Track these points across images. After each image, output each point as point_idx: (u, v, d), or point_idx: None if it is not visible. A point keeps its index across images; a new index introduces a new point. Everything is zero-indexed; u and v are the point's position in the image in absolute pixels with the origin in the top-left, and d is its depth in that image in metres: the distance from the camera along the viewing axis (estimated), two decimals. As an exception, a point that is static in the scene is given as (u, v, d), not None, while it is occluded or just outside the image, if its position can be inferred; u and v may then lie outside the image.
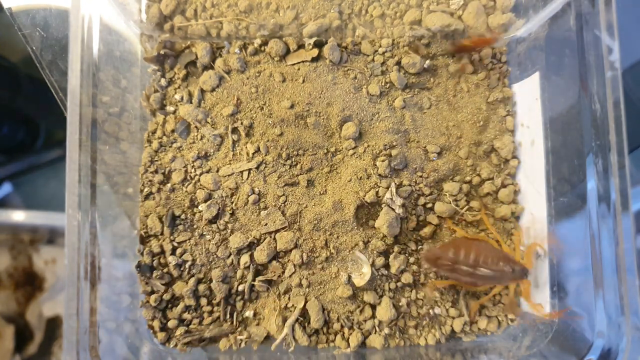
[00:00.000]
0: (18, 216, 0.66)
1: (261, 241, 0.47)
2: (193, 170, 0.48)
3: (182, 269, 0.47)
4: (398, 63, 0.49)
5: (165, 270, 0.46)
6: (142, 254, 0.46)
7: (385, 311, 0.46)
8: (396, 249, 0.48)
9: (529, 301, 0.45)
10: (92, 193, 0.41)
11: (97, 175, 0.42)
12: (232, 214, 0.47)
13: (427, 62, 0.50)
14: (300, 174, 0.48)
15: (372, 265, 0.47)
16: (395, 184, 0.48)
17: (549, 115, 0.47)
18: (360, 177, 0.48)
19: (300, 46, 0.49)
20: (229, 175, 0.47)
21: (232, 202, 0.47)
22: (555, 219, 0.46)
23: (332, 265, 0.47)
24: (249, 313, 0.47)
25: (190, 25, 0.48)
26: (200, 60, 0.49)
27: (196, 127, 0.48)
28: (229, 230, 0.47)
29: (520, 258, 0.46)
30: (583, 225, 0.42)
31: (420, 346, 0.47)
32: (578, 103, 0.42)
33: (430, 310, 0.48)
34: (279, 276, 0.47)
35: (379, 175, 0.48)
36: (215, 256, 0.47)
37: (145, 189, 0.47)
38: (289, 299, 0.47)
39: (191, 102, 0.49)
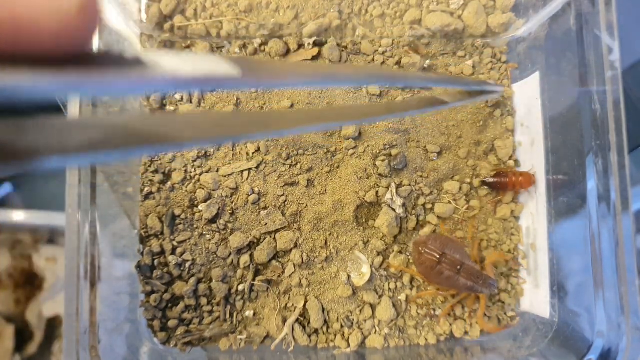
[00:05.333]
0: (18, 216, 0.66)
1: (261, 241, 0.47)
2: (193, 170, 0.48)
3: (182, 268, 0.47)
4: (398, 63, 0.49)
5: (165, 270, 0.46)
6: (142, 253, 0.46)
7: (385, 311, 0.46)
8: (396, 248, 0.48)
9: (481, 317, 0.46)
10: (92, 193, 0.41)
11: (97, 175, 0.42)
12: (232, 214, 0.47)
13: (427, 62, 0.50)
14: (300, 174, 0.48)
15: (372, 265, 0.47)
16: (395, 183, 0.48)
17: (549, 115, 0.47)
18: (360, 177, 0.48)
19: (300, 46, 0.49)
20: (229, 175, 0.47)
21: (232, 202, 0.47)
22: (555, 219, 0.46)
23: (332, 265, 0.47)
24: (249, 313, 0.47)
25: (190, 25, 0.48)
26: (200, 60, 0.49)
27: (196, 127, 0.48)
28: (229, 230, 0.47)
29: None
30: (583, 225, 0.42)
31: (420, 346, 0.47)
32: (578, 103, 0.42)
33: (431, 310, 0.48)
34: (279, 276, 0.47)
35: (379, 175, 0.48)
36: (215, 256, 0.47)
37: (146, 189, 0.47)
38: (289, 298, 0.47)
39: (191, 102, 0.49)
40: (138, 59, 0.14)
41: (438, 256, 0.44)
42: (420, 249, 0.45)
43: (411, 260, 0.48)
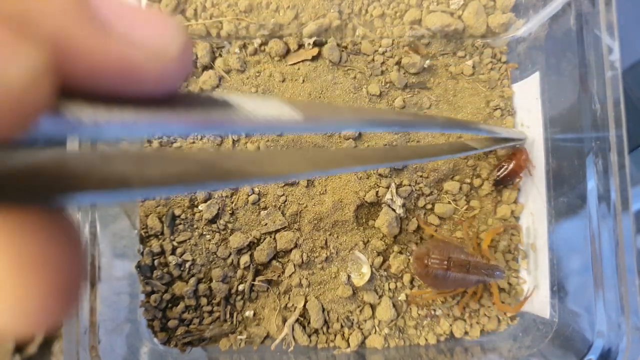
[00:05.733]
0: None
1: (261, 241, 0.47)
2: (193, 170, 0.48)
3: (182, 268, 0.47)
4: (398, 63, 0.49)
5: (165, 270, 0.46)
6: (142, 253, 0.46)
7: (385, 311, 0.46)
8: (396, 248, 0.48)
9: (499, 302, 0.46)
10: (92, 193, 0.41)
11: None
12: (232, 214, 0.47)
13: (427, 62, 0.50)
14: (300, 174, 0.48)
15: (372, 265, 0.47)
16: (395, 183, 0.48)
17: (549, 115, 0.47)
18: (360, 177, 0.48)
19: (300, 46, 0.49)
20: (229, 175, 0.47)
21: (232, 202, 0.47)
22: (555, 219, 0.46)
23: (332, 265, 0.47)
24: (249, 313, 0.47)
25: (190, 25, 0.48)
26: (200, 60, 0.49)
27: (196, 127, 0.48)
28: (229, 230, 0.47)
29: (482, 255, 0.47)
30: (583, 225, 0.42)
31: (420, 346, 0.47)
32: (578, 103, 0.42)
33: (431, 311, 0.48)
34: (279, 276, 0.47)
35: (379, 175, 0.48)
36: (215, 256, 0.47)
37: (145, 189, 0.47)
38: (289, 298, 0.47)
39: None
40: (215, 100, 0.15)
41: (446, 262, 0.44)
42: (425, 261, 0.44)
43: (411, 261, 0.48)
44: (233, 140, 0.48)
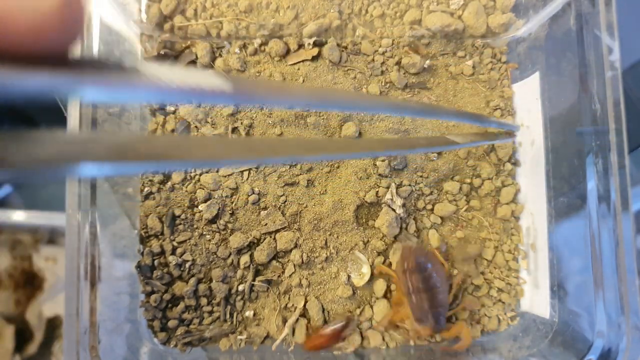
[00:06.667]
0: (18, 216, 0.66)
1: (261, 241, 0.47)
2: (193, 170, 0.48)
3: (182, 268, 0.47)
4: (398, 63, 0.49)
5: (165, 270, 0.46)
6: (142, 253, 0.46)
7: (384, 311, 0.46)
8: (396, 248, 0.48)
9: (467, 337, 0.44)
10: (92, 193, 0.41)
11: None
12: (232, 214, 0.47)
13: (427, 62, 0.50)
14: (300, 174, 0.48)
15: (372, 265, 0.47)
16: (395, 184, 0.48)
17: (549, 115, 0.47)
18: (360, 177, 0.48)
19: (300, 46, 0.49)
20: (228, 175, 0.47)
21: (232, 202, 0.47)
22: (555, 219, 0.46)
23: (332, 265, 0.47)
24: (249, 313, 0.47)
25: (190, 25, 0.48)
26: (200, 60, 0.49)
27: (196, 126, 0.48)
28: (229, 230, 0.47)
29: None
30: (583, 225, 0.42)
31: (420, 346, 0.47)
32: (578, 103, 0.42)
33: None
34: (279, 276, 0.47)
35: (379, 175, 0.48)
36: (215, 256, 0.47)
37: (145, 189, 0.47)
38: (289, 298, 0.47)
39: (191, 102, 0.49)
40: (125, 67, 0.14)
41: (411, 264, 0.42)
42: (404, 252, 0.44)
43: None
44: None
